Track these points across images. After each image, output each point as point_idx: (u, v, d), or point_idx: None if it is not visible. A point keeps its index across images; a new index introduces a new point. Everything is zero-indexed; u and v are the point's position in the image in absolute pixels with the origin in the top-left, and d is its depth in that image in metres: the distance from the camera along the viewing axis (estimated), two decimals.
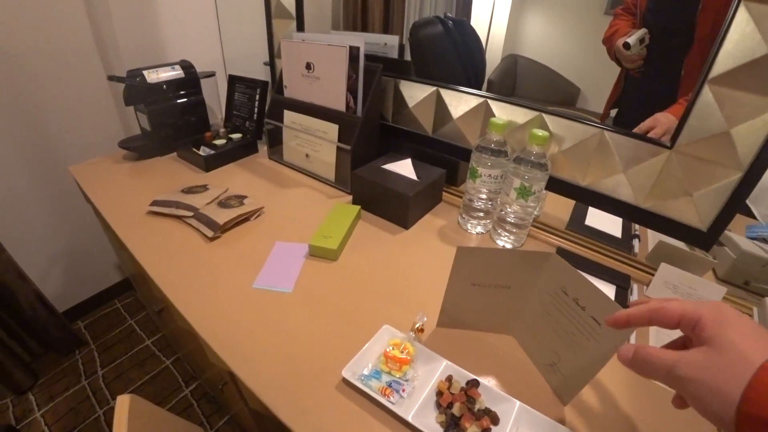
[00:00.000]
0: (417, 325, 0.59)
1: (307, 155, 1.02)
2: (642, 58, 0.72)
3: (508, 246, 0.81)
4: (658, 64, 0.72)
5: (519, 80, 0.94)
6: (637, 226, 0.91)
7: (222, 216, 0.81)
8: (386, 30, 1.08)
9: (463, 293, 0.58)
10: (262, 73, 1.37)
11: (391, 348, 0.55)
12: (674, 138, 0.65)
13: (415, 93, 0.94)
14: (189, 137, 1.17)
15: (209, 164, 1.06)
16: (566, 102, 0.87)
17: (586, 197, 0.80)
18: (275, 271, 0.71)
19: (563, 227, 0.90)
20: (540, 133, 0.71)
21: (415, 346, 0.56)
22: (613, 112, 0.82)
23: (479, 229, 0.86)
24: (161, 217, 0.86)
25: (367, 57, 0.89)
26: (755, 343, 0.28)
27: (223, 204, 0.86)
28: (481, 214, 0.84)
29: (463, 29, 1.05)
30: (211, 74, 1.23)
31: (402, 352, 0.55)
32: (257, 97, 1.15)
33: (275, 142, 1.11)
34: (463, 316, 0.61)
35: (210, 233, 0.78)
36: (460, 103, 0.88)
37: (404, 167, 0.91)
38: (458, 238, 0.84)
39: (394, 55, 0.97)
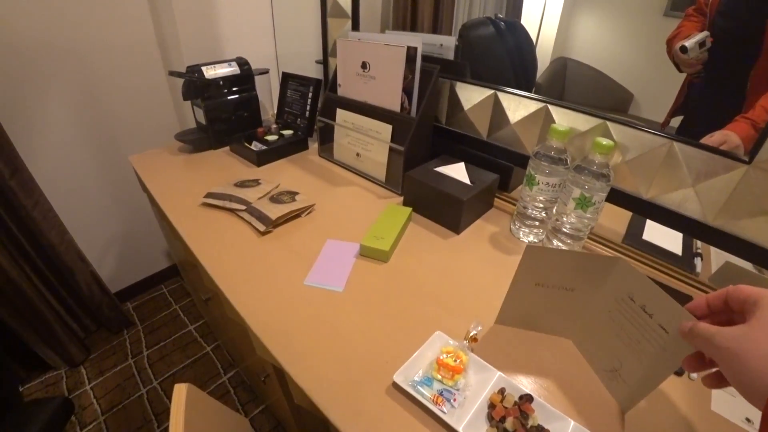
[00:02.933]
0: (471, 334, 0.57)
1: (358, 154, 1.02)
2: (701, 63, 0.68)
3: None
4: (721, 72, 0.68)
5: (568, 84, 0.90)
6: (699, 244, 0.86)
7: (274, 211, 0.82)
8: (435, 30, 1.07)
9: (526, 292, 0.57)
10: (314, 72, 1.39)
11: (444, 356, 0.54)
12: (753, 152, 0.61)
13: (471, 96, 0.92)
14: (242, 132, 1.20)
15: (261, 159, 1.09)
16: (618, 108, 0.82)
17: (648, 211, 0.76)
18: (327, 270, 0.71)
19: (619, 240, 0.86)
20: (604, 142, 0.67)
21: (468, 355, 0.55)
22: (674, 121, 0.76)
23: (532, 237, 0.83)
24: (214, 209, 0.89)
25: (423, 58, 0.88)
26: None
27: (275, 199, 0.88)
28: (536, 223, 0.82)
29: (515, 31, 1.02)
30: (265, 71, 1.26)
31: (455, 360, 0.54)
32: (310, 94, 1.16)
33: (326, 140, 1.12)
34: (523, 316, 0.60)
35: (262, 227, 0.79)
36: (518, 107, 0.86)
37: (457, 171, 0.89)
38: (510, 246, 0.82)
39: (450, 56, 0.96)
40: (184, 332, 1.58)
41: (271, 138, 1.15)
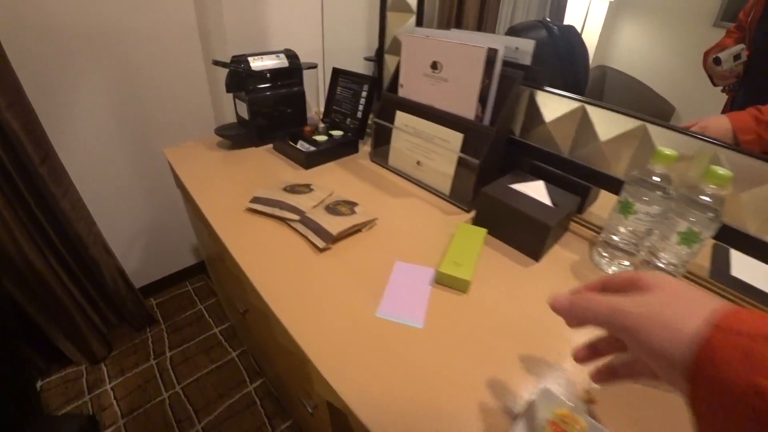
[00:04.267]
0: (587, 392, 0.48)
1: (418, 162, 0.93)
2: (736, 76, 0.66)
3: None
4: (754, 87, 0.65)
5: (606, 93, 0.86)
6: None
7: (334, 224, 0.73)
8: (479, 30, 0.98)
9: None
10: (362, 69, 1.30)
11: (558, 420, 0.45)
12: None
13: (554, 107, 0.82)
14: (286, 130, 1.11)
15: (310, 161, 1.00)
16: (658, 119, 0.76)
17: (758, 250, 0.66)
18: (400, 299, 0.63)
19: (706, 275, 0.76)
20: (721, 171, 0.58)
21: (587, 421, 0.46)
22: None
23: (614, 268, 0.74)
24: (261, 216, 0.81)
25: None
26: (693, 291, 0.27)
27: (332, 209, 0.79)
28: (625, 254, 0.72)
29: (569, 36, 0.94)
30: (314, 66, 1.17)
31: (575, 427, 0.44)
32: (363, 93, 1.07)
33: (380, 144, 1.03)
34: None
35: (321, 243, 0.71)
36: (610, 124, 0.76)
37: (536, 190, 0.80)
38: (593, 277, 0.72)
39: (527, 61, 0.86)
40: (209, 334, 1.51)
41: (320, 138, 1.06)
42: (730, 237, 0.68)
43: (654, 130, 0.72)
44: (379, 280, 0.66)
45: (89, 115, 1.24)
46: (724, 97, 0.70)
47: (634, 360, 0.34)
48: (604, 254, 0.74)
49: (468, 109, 0.82)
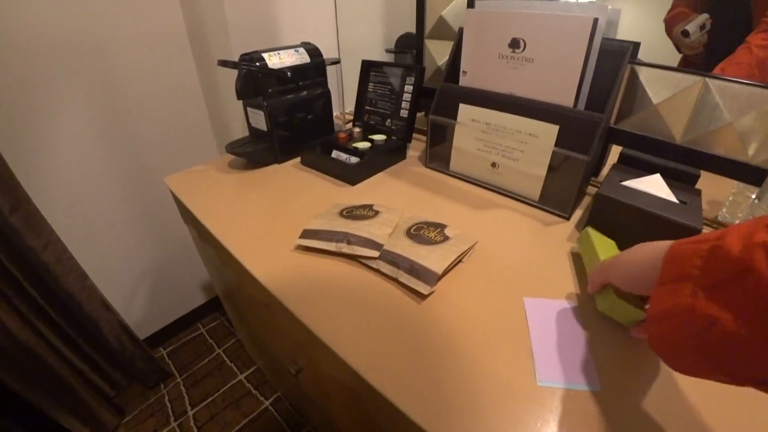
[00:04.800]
0: None
1: (494, 164, 0.77)
2: (702, 45, 0.67)
3: None
4: (720, 55, 0.66)
5: None
6: None
7: (433, 258, 0.56)
8: None
9: None
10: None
11: None
12: None
13: (663, 85, 0.68)
14: (314, 139, 0.93)
15: (356, 175, 0.82)
16: None
17: None
18: (556, 353, 0.47)
19: None
20: None
21: None
22: None
23: None
24: (319, 254, 0.63)
25: None
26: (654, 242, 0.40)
27: (417, 236, 0.62)
28: None
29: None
30: (336, 61, 0.99)
31: None
32: (406, 87, 0.90)
33: (437, 146, 0.86)
34: None
35: (425, 288, 0.54)
36: (738, 101, 0.62)
37: (655, 186, 0.65)
38: None
39: (614, 34, 0.71)
40: (235, 383, 1.32)
41: (361, 146, 0.89)
42: None
43: None
44: (513, 328, 0.50)
45: (69, 145, 1.02)
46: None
47: None
48: None
49: (565, 96, 0.66)
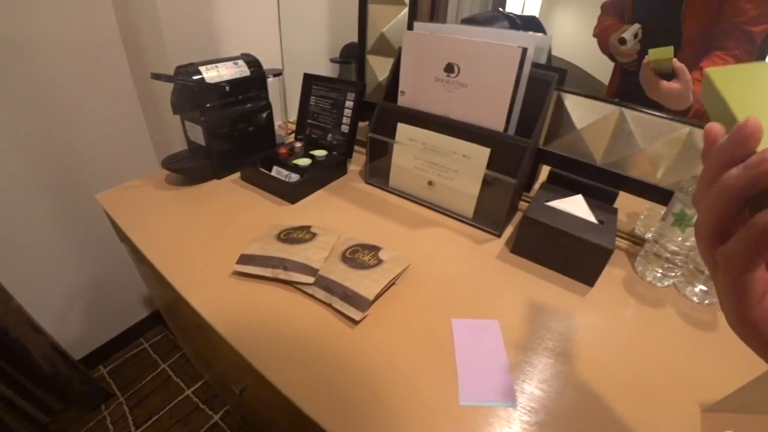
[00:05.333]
0: None
1: (430, 182, 0.79)
2: (637, 53, 0.70)
3: (706, 301, 0.64)
4: None
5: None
6: None
7: (366, 284, 0.58)
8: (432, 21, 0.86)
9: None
10: (329, 72, 1.13)
11: None
12: None
13: (586, 112, 0.72)
14: (255, 154, 0.92)
15: (297, 193, 0.82)
16: None
17: None
18: (479, 374, 0.49)
19: None
20: None
21: None
22: None
23: (667, 282, 0.67)
24: (256, 280, 0.62)
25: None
26: None
27: (352, 260, 0.63)
28: (675, 266, 0.65)
29: (533, 28, 0.87)
30: (278, 73, 0.98)
31: None
32: (347, 103, 0.90)
33: (376, 163, 0.87)
34: (751, 403, 0.46)
35: (357, 314, 0.55)
36: (649, 129, 0.68)
37: (578, 207, 0.69)
38: (654, 297, 0.65)
39: (542, 59, 0.75)
40: (182, 398, 1.28)
41: (301, 162, 0.88)
42: None
43: (699, 134, 0.65)
44: (441, 348, 0.52)
45: None
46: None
47: None
48: (657, 269, 0.67)
49: (496, 120, 0.69)
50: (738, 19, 0.62)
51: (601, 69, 0.77)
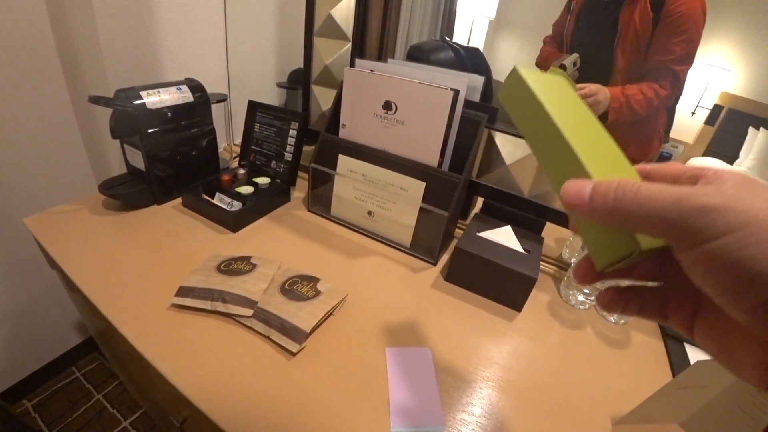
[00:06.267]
0: None
1: (370, 212, 0.82)
2: (575, 80, 0.78)
3: (620, 321, 0.72)
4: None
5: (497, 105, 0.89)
6: None
7: (303, 316, 0.59)
8: (380, 53, 0.93)
9: (668, 396, 0.50)
10: (275, 97, 1.14)
11: None
12: None
13: (514, 149, 0.79)
14: (196, 179, 0.91)
15: (238, 222, 0.83)
16: None
17: None
18: (410, 400, 0.52)
19: None
20: None
21: None
22: None
23: (588, 305, 0.75)
24: (193, 312, 0.62)
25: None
26: None
27: (290, 292, 0.65)
28: (590, 290, 0.73)
29: (474, 57, 0.94)
30: (223, 98, 0.98)
31: None
32: (291, 132, 0.92)
33: (318, 191, 0.89)
34: (652, 414, 0.52)
35: (294, 347, 0.56)
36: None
37: (506, 237, 0.75)
38: (574, 318, 0.72)
39: (476, 98, 0.81)
40: (118, 431, 1.21)
41: (243, 190, 0.89)
42: None
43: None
44: (375, 377, 0.55)
45: None
46: None
47: (659, 290, 0.26)
48: (578, 293, 0.75)
49: (430, 156, 0.74)
50: (664, 57, 0.70)
51: None
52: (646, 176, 0.26)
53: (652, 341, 0.69)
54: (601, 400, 0.56)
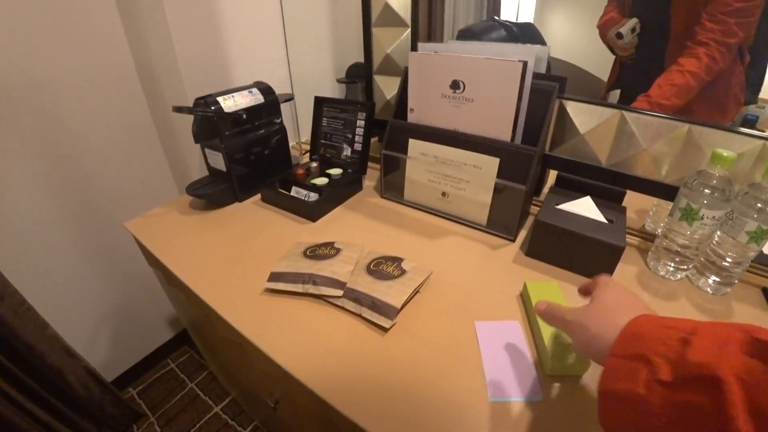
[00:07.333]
0: None
1: (444, 194, 0.83)
2: (634, 47, 0.75)
3: (719, 292, 0.67)
4: (646, 53, 0.77)
5: None
6: None
7: (393, 294, 0.61)
8: (430, 35, 0.92)
9: None
10: (336, 92, 1.18)
11: None
12: None
13: (588, 117, 0.76)
14: (272, 176, 0.96)
15: (317, 211, 0.86)
16: (596, 98, 0.81)
17: None
18: (505, 372, 0.53)
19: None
20: None
21: None
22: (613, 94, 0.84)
23: (680, 275, 0.70)
24: (285, 296, 0.66)
25: None
26: (624, 303, 0.39)
27: (376, 272, 0.67)
28: (687, 260, 0.68)
29: (530, 34, 0.90)
30: (290, 98, 1.02)
31: None
32: (358, 122, 0.95)
33: (390, 178, 0.91)
34: None
35: (386, 322, 0.58)
36: (649, 129, 0.72)
37: (587, 208, 0.73)
38: (663, 289, 0.68)
39: (542, 69, 0.79)
40: (210, 416, 1.31)
41: (319, 181, 0.92)
42: None
43: (699, 132, 0.68)
44: (466, 351, 0.56)
45: (15, 197, 1.00)
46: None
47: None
48: (668, 263, 0.70)
49: (503, 131, 0.73)
50: (721, 9, 0.66)
51: (599, 66, 0.80)
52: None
53: (757, 312, 0.64)
54: None
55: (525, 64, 0.68)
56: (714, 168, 0.61)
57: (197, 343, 1.25)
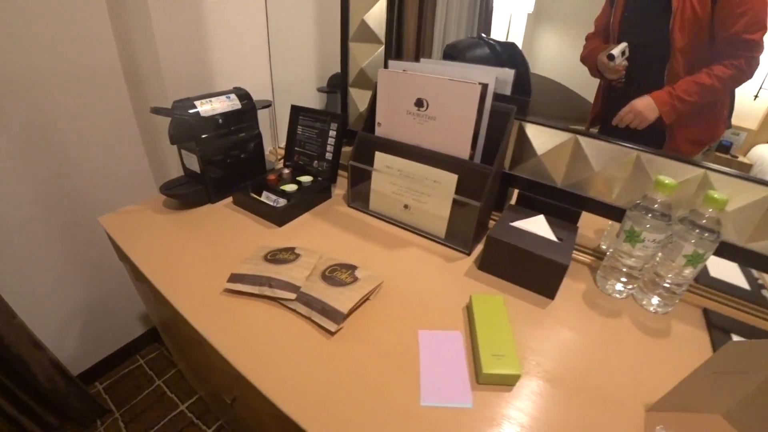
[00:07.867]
0: None
1: (406, 206, 0.86)
2: (624, 69, 0.77)
3: (660, 311, 0.70)
4: (640, 74, 0.78)
5: (533, 98, 0.89)
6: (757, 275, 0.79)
7: (342, 300, 0.64)
8: (418, 52, 0.95)
9: (702, 381, 0.49)
10: (316, 101, 1.21)
11: None
12: None
13: (545, 139, 0.80)
14: (245, 180, 0.99)
15: (284, 217, 0.89)
16: (580, 119, 0.85)
17: (749, 259, 0.70)
18: (440, 378, 0.55)
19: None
20: (717, 195, 0.61)
21: None
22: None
23: (626, 294, 0.74)
24: (244, 297, 0.69)
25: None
26: None
27: (330, 278, 0.69)
28: (631, 279, 0.72)
29: (511, 52, 0.93)
30: (268, 104, 1.05)
31: None
32: (331, 132, 0.98)
33: (357, 188, 0.94)
34: (689, 402, 0.52)
35: (332, 326, 0.61)
36: (601, 154, 0.75)
37: (539, 226, 0.76)
38: (608, 306, 0.71)
39: (507, 91, 0.82)
40: (176, 414, 1.32)
41: (288, 188, 0.95)
42: (730, 253, 0.71)
43: (646, 159, 0.72)
44: (407, 357, 0.58)
45: None
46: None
47: None
48: (609, 279, 0.74)
49: (462, 149, 0.76)
50: (730, 30, 0.66)
51: (586, 86, 0.83)
52: None
53: (695, 331, 0.67)
54: (640, 388, 0.55)
55: (485, 86, 0.72)
56: (656, 193, 0.65)
57: (166, 341, 1.26)
